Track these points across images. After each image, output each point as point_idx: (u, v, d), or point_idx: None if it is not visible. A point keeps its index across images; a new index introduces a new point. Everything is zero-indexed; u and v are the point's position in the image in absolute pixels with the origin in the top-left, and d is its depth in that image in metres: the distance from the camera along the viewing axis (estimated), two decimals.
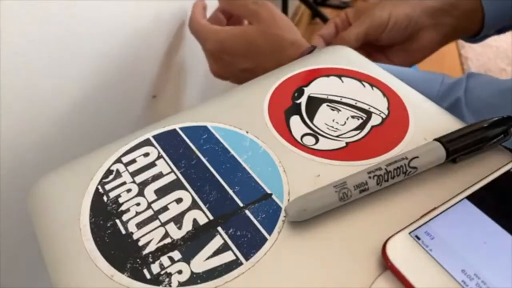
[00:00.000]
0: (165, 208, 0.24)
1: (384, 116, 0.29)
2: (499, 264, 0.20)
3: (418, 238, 0.21)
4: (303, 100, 0.30)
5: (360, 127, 0.28)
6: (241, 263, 0.21)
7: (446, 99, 0.36)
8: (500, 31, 0.50)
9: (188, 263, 0.21)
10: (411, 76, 0.37)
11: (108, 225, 0.23)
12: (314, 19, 1.60)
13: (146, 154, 0.27)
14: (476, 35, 0.48)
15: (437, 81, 0.37)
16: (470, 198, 0.22)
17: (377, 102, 0.29)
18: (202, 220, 0.23)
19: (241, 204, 0.24)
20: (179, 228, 0.23)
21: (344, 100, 0.30)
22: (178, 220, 0.23)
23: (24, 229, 0.33)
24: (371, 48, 0.47)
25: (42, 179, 0.26)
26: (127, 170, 0.26)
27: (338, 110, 0.29)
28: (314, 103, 0.30)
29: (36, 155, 0.36)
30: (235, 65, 0.45)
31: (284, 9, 1.20)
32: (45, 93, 0.35)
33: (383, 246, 0.21)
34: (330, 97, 0.30)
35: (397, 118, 0.28)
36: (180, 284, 0.20)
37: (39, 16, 0.33)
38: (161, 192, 0.24)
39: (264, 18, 0.43)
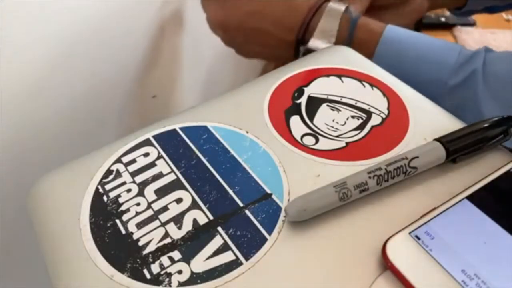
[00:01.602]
0: (165, 208, 0.24)
1: (384, 116, 0.29)
2: (499, 264, 0.20)
3: (418, 238, 0.21)
4: (303, 100, 0.30)
5: (360, 127, 0.28)
6: (241, 263, 0.21)
7: (463, 69, 0.35)
8: (491, 10, 0.50)
9: (188, 263, 0.21)
10: (429, 44, 0.37)
11: (108, 225, 0.23)
12: None
13: (146, 154, 0.27)
14: (462, 7, 0.49)
15: (455, 50, 0.36)
16: (470, 198, 0.22)
17: (377, 102, 0.29)
18: (202, 220, 0.23)
19: (241, 204, 0.24)
20: (179, 228, 0.23)
21: (344, 100, 0.30)
22: (178, 220, 0.23)
23: (24, 229, 0.33)
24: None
25: (42, 179, 0.26)
26: (127, 170, 0.26)
27: (338, 110, 0.29)
28: (314, 103, 0.30)
29: (36, 155, 0.36)
30: (239, 7, 0.42)
31: None
32: (45, 93, 0.35)
33: (383, 246, 0.21)
34: (330, 97, 0.30)
35: (397, 118, 0.28)
36: (180, 284, 0.20)
37: (39, 16, 0.33)
38: (161, 192, 0.24)
39: None
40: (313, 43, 0.39)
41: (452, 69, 0.34)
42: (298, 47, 0.40)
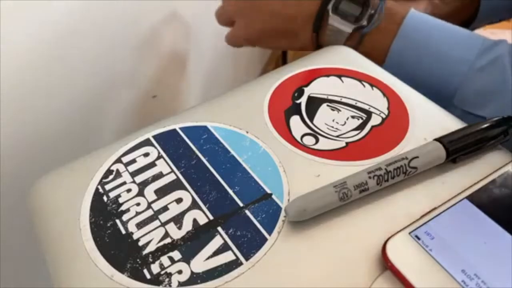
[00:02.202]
0: (165, 208, 0.24)
1: (384, 116, 0.29)
2: (499, 264, 0.20)
3: (418, 238, 0.21)
4: (303, 100, 0.30)
5: (360, 127, 0.28)
6: (241, 263, 0.21)
7: (489, 51, 0.35)
8: (494, 22, 0.50)
9: (188, 263, 0.21)
10: (454, 28, 0.37)
11: (108, 225, 0.23)
12: None
13: (146, 154, 0.27)
14: (467, 25, 0.49)
15: (479, 36, 0.36)
16: (470, 198, 0.22)
17: (377, 102, 0.29)
18: (202, 220, 0.23)
19: (241, 204, 0.24)
20: (179, 228, 0.23)
21: (344, 100, 0.30)
22: (178, 220, 0.23)
23: (24, 229, 0.33)
24: None
25: (42, 179, 0.26)
26: (127, 170, 0.26)
27: (338, 110, 0.29)
28: (314, 103, 0.30)
29: (36, 155, 0.36)
30: None
31: None
32: (44, 93, 0.35)
33: (383, 246, 0.21)
34: (330, 97, 0.30)
35: (397, 118, 0.28)
36: (180, 284, 0.20)
37: (39, 16, 0.33)
38: (161, 192, 0.24)
39: None
40: None
41: (479, 51, 0.34)
42: (324, 7, 0.38)
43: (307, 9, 0.39)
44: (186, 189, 0.24)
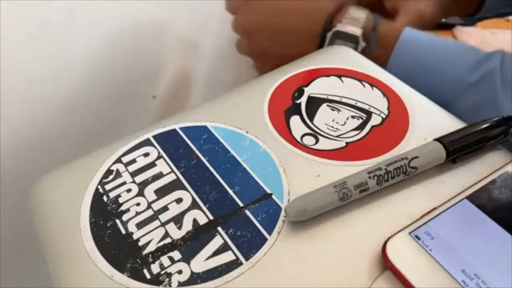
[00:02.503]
0: (165, 208, 0.24)
1: (384, 116, 0.29)
2: (499, 264, 0.20)
3: (418, 238, 0.21)
4: (303, 100, 0.30)
5: (360, 127, 0.28)
6: (241, 263, 0.21)
7: (481, 67, 0.35)
8: (502, 15, 0.50)
9: (188, 263, 0.21)
10: (446, 44, 0.37)
11: (108, 225, 0.23)
12: None
13: (146, 154, 0.27)
14: (474, 14, 0.49)
15: (472, 50, 0.36)
16: (470, 198, 0.22)
17: (377, 102, 0.29)
18: (202, 220, 0.23)
19: (241, 204, 0.24)
20: (179, 228, 0.23)
21: (344, 100, 0.30)
22: (178, 220, 0.23)
23: (24, 229, 0.33)
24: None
25: (42, 179, 0.26)
26: (127, 170, 0.26)
27: (338, 110, 0.29)
28: (314, 103, 0.30)
29: (36, 155, 0.36)
30: (263, 7, 0.42)
31: None
32: (45, 93, 0.35)
33: (383, 246, 0.21)
34: (330, 97, 0.30)
35: (397, 118, 0.28)
36: (180, 284, 0.20)
37: (39, 16, 0.33)
38: (161, 192, 0.24)
39: None
40: (342, 27, 0.38)
41: (470, 67, 0.34)
42: (324, 38, 0.39)
43: (302, 52, 0.40)
44: (186, 189, 0.24)
